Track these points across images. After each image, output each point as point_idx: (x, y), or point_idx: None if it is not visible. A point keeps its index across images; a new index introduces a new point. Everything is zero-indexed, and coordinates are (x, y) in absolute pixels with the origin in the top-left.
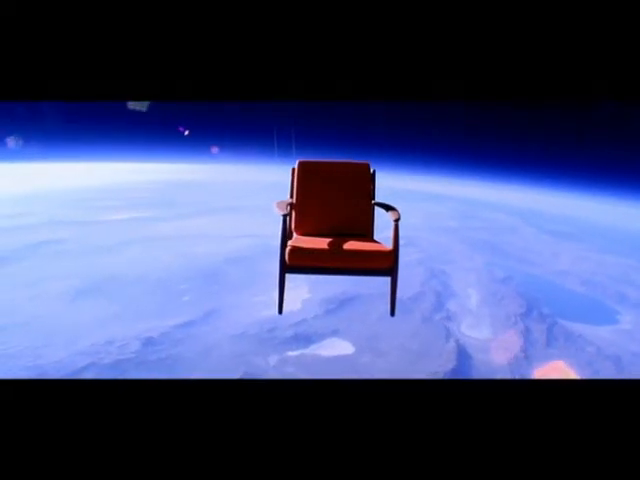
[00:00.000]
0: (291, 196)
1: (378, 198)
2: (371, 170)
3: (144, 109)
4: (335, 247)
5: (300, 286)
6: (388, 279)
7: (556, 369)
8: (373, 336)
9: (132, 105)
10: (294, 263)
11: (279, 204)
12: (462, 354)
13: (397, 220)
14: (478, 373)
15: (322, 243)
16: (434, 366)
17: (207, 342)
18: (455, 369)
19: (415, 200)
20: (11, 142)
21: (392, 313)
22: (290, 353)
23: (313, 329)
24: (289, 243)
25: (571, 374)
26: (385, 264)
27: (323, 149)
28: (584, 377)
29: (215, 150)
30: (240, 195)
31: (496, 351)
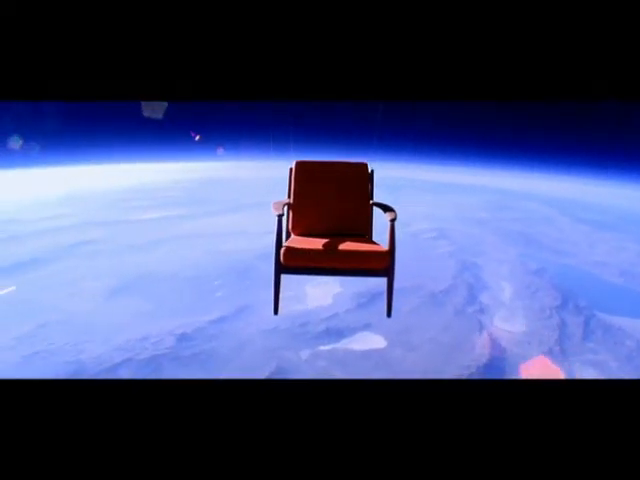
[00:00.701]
0: (289, 196)
1: (406, 189)
2: (369, 170)
3: (160, 117)
4: (330, 247)
5: (331, 281)
6: (425, 270)
7: (540, 365)
8: (405, 330)
9: (147, 113)
10: (289, 264)
11: (276, 204)
12: (495, 347)
13: (393, 220)
14: (512, 366)
15: (317, 243)
16: (467, 360)
17: (240, 337)
18: (488, 363)
19: (446, 192)
20: (39, 148)
21: (389, 314)
22: (322, 347)
23: (345, 323)
24: (285, 243)
25: (554, 369)
26: (381, 265)
27: (353, 140)
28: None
29: (240, 147)
30: (268, 191)
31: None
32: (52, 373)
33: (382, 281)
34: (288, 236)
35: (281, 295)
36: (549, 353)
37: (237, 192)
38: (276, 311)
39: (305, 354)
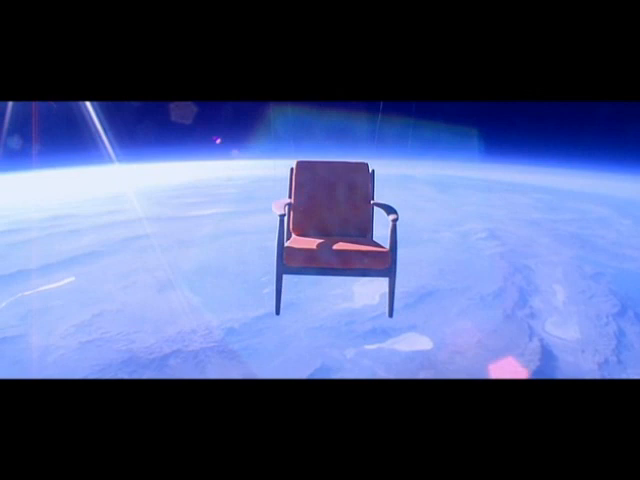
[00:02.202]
0: (289, 196)
1: (456, 188)
2: (370, 170)
3: (189, 121)
4: (332, 248)
5: (378, 279)
6: (474, 272)
7: (507, 366)
8: (452, 332)
9: (175, 117)
10: (291, 264)
11: (277, 204)
12: (546, 354)
13: (395, 220)
14: (564, 376)
15: (319, 244)
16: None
17: (286, 334)
18: (538, 370)
19: (497, 190)
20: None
21: (390, 314)
22: (367, 347)
23: (391, 323)
24: (286, 244)
25: (521, 371)
26: (382, 265)
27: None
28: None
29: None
30: None
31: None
32: (106, 360)
33: (428, 282)
34: (289, 236)
35: (337, 291)
36: (605, 363)
37: (287, 190)
38: (278, 311)
39: (350, 353)
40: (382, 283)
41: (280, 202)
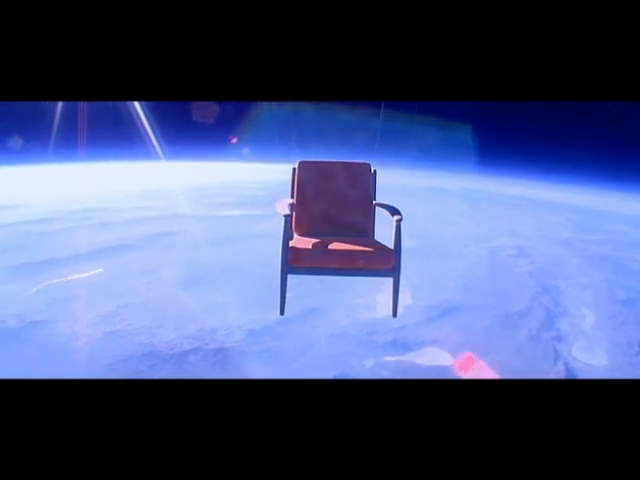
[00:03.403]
0: (292, 196)
1: (484, 202)
2: (372, 170)
3: (211, 121)
4: (335, 248)
5: (402, 291)
6: (501, 289)
7: (467, 361)
8: (474, 349)
9: (197, 117)
10: (295, 264)
11: (280, 204)
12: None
13: (399, 221)
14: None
15: (322, 244)
16: None
17: (306, 339)
18: None
19: (528, 208)
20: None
21: (394, 314)
22: (387, 358)
23: (413, 336)
24: (290, 244)
25: (482, 365)
26: (386, 264)
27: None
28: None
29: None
30: None
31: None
32: (128, 351)
33: (453, 297)
34: (291, 236)
35: (360, 300)
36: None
37: None
38: (282, 311)
39: (369, 363)
40: (406, 294)
41: (283, 202)
